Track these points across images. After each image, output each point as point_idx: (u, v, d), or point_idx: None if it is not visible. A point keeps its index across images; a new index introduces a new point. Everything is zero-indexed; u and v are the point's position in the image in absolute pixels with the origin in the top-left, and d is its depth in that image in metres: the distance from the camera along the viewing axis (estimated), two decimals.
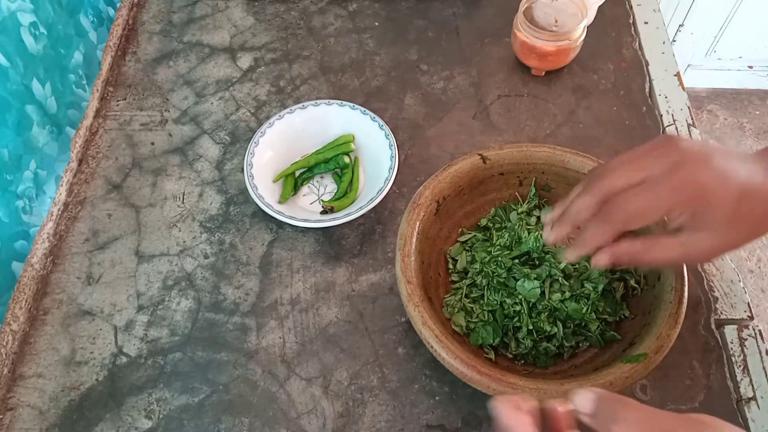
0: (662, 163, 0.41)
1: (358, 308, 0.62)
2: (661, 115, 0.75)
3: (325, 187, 0.71)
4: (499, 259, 0.58)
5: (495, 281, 0.57)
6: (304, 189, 0.71)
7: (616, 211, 0.42)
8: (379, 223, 0.68)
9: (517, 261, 0.58)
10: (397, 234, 0.56)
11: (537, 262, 0.58)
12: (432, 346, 0.50)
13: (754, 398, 0.56)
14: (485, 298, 0.57)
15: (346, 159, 0.69)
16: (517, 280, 0.56)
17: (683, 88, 0.78)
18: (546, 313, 0.55)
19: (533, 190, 0.63)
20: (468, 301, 0.58)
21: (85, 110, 0.77)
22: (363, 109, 0.71)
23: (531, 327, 0.55)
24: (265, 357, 0.60)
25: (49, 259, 0.66)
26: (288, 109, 0.71)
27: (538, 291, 0.55)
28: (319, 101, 0.72)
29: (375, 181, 0.67)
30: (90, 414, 0.57)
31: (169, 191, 0.71)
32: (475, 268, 0.59)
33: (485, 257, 0.59)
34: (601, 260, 0.45)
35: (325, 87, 0.80)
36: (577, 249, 0.45)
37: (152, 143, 0.75)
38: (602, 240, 0.44)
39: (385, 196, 0.65)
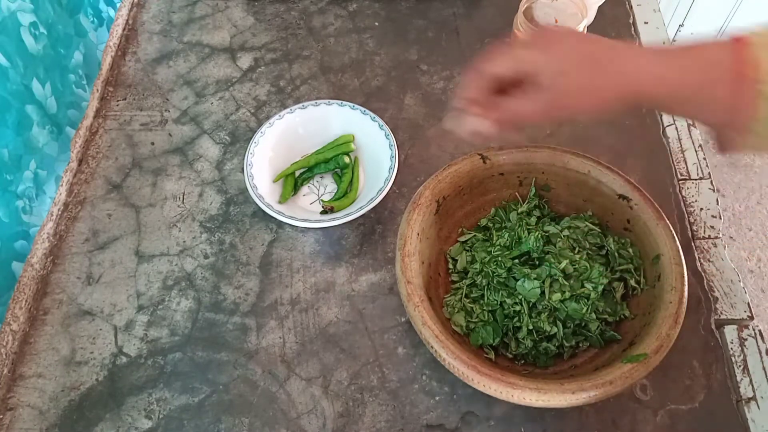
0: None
1: (358, 308, 0.62)
2: (661, 115, 0.75)
3: (325, 187, 0.71)
4: (499, 259, 0.58)
5: (495, 281, 0.57)
6: (304, 189, 0.71)
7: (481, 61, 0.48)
8: (379, 223, 0.68)
9: (517, 261, 0.58)
10: (397, 234, 0.56)
11: (537, 262, 0.58)
12: (432, 346, 0.50)
13: (754, 398, 0.56)
14: (485, 298, 0.57)
15: (346, 159, 0.69)
16: (517, 280, 0.56)
17: None
18: (546, 314, 0.55)
19: (533, 190, 0.63)
20: (468, 301, 0.58)
21: (85, 110, 0.77)
22: (363, 109, 0.71)
23: (531, 327, 0.55)
24: (265, 357, 0.60)
25: (49, 259, 0.66)
26: (288, 109, 0.71)
27: (538, 291, 0.55)
28: (319, 101, 0.72)
29: (375, 181, 0.67)
30: (90, 414, 0.57)
31: (169, 191, 0.71)
32: (475, 268, 0.59)
33: (485, 257, 0.59)
34: (476, 124, 0.48)
35: (325, 87, 0.80)
36: (452, 110, 0.50)
37: (152, 143, 0.75)
38: (462, 86, 0.49)
39: (385, 196, 0.65)
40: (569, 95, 0.46)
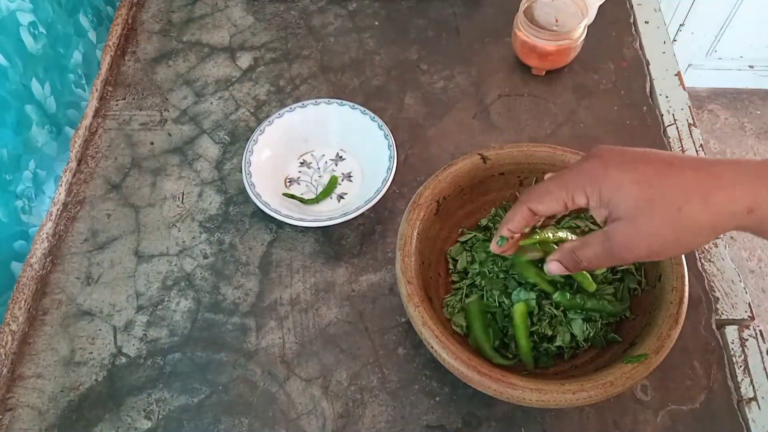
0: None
1: (358, 308, 0.62)
2: (662, 115, 0.75)
3: (323, 186, 0.71)
4: (497, 259, 0.58)
5: (493, 282, 0.57)
6: (302, 188, 0.71)
7: (525, 196, 0.45)
8: (379, 223, 0.68)
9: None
10: (397, 234, 0.56)
11: (539, 264, 0.57)
12: (432, 347, 0.49)
13: (754, 398, 0.56)
14: (485, 299, 0.57)
15: None
16: (520, 284, 0.56)
17: (684, 88, 0.77)
18: (546, 321, 0.55)
19: None
20: (476, 297, 0.57)
21: (85, 110, 0.77)
22: (363, 108, 0.71)
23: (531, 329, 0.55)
24: (265, 357, 0.60)
25: (48, 260, 0.66)
26: (288, 108, 0.71)
27: (534, 302, 0.55)
28: (318, 100, 0.72)
29: (374, 182, 0.67)
30: (89, 414, 0.57)
31: (168, 191, 0.71)
32: (475, 269, 0.59)
33: (484, 257, 0.59)
34: (552, 267, 0.46)
35: (324, 86, 0.79)
36: (496, 234, 0.49)
37: (151, 143, 0.75)
38: (510, 218, 0.46)
39: (385, 196, 0.65)
40: (640, 244, 0.39)
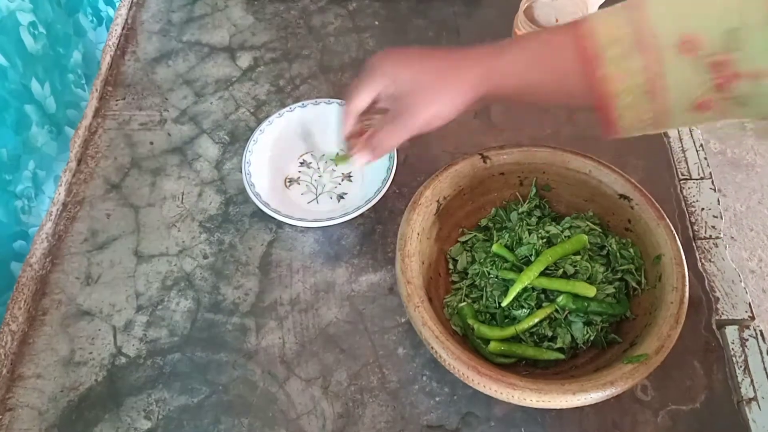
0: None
1: (358, 308, 0.62)
2: None
3: (323, 186, 0.70)
4: (496, 259, 0.58)
5: (493, 282, 0.57)
6: (302, 188, 0.71)
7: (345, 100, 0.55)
8: (379, 223, 0.68)
9: (514, 268, 0.57)
10: (398, 234, 0.56)
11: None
12: (432, 347, 0.49)
13: (755, 399, 0.56)
14: (485, 299, 0.57)
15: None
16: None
17: None
18: (546, 322, 0.55)
19: (534, 190, 0.63)
20: (468, 301, 0.57)
21: (84, 110, 0.77)
22: None
23: (531, 330, 0.55)
24: (265, 357, 0.59)
25: (47, 260, 0.66)
26: (288, 108, 0.71)
27: (528, 316, 0.55)
28: (318, 100, 0.72)
29: (373, 182, 0.67)
30: (89, 414, 0.57)
31: (168, 191, 0.71)
32: (475, 269, 0.59)
33: (484, 257, 0.59)
34: (357, 159, 0.53)
35: (325, 86, 0.79)
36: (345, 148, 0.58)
37: (151, 143, 0.75)
38: (345, 126, 0.55)
39: (385, 197, 0.65)
40: (419, 111, 0.49)
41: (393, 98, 0.51)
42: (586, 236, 0.57)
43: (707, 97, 0.39)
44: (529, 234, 0.58)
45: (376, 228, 0.67)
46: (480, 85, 0.48)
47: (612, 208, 0.60)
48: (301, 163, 0.72)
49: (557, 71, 0.45)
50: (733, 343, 0.59)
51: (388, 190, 0.65)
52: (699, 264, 0.64)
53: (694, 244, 0.65)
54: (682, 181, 0.69)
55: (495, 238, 0.60)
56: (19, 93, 0.66)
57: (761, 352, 0.58)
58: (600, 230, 0.60)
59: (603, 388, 0.46)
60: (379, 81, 0.51)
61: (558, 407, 0.47)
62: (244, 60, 0.82)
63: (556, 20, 0.78)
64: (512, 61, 0.47)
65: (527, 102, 0.57)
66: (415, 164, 0.72)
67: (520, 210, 0.61)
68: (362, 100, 0.53)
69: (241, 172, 0.70)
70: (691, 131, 0.74)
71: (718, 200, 0.68)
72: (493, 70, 0.47)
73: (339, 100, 0.72)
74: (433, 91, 0.49)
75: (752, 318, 0.60)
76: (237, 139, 0.75)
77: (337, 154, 0.65)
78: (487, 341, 0.54)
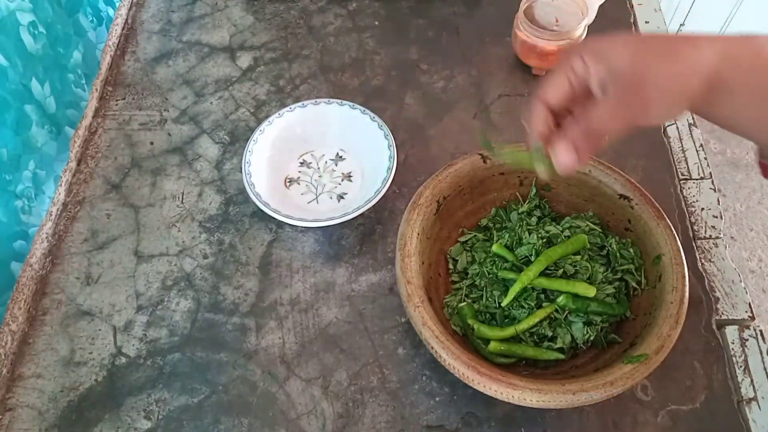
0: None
1: (358, 308, 0.62)
2: None
3: (323, 186, 0.71)
4: (496, 259, 0.58)
5: (493, 282, 0.57)
6: (302, 188, 0.71)
7: (535, 94, 0.44)
8: (379, 223, 0.68)
9: (513, 267, 0.57)
10: (397, 234, 0.56)
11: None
12: (432, 347, 0.49)
13: (755, 399, 0.56)
14: (485, 299, 0.57)
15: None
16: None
17: None
18: (547, 322, 0.55)
19: (534, 190, 0.63)
20: (468, 301, 0.57)
21: (84, 110, 0.77)
22: (363, 108, 0.71)
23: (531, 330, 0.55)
24: (265, 357, 0.59)
25: (48, 259, 0.66)
26: (288, 108, 0.71)
27: (528, 316, 0.55)
28: (318, 100, 0.72)
29: (373, 182, 0.67)
30: (89, 414, 0.57)
31: (168, 191, 0.71)
32: (475, 269, 0.59)
33: (484, 257, 0.59)
34: (562, 158, 0.42)
35: (324, 86, 0.79)
36: (534, 157, 0.45)
37: (151, 143, 0.75)
38: (530, 120, 0.44)
39: (385, 196, 0.65)
40: (644, 88, 0.39)
41: (606, 84, 0.40)
42: (586, 236, 0.57)
43: None
44: (529, 234, 0.58)
45: (376, 228, 0.67)
46: (709, 66, 0.39)
47: (612, 208, 0.60)
48: (301, 163, 0.72)
49: None
50: (733, 343, 0.59)
51: (388, 190, 0.65)
52: (699, 264, 0.64)
53: (694, 244, 0.65)
54: (682, 181, 0.69)
55: (495, 238, 0.60)
56: (19, 93, 0.66)
57: (761, 352, 0.58)
58: (600, 230, 0.60)
59: (603, 388, 0.46)
60: (583, 65, 0.41)
61: (558, 407, 0.47)
62: (244, 60, 0.82)
63: (556, 20, 0.78)
64: (741, 47, 0.39)
65: (746, 125, 0.44)
66: (415, 164, 0.72)
67: (520, 210, 0.61)
68: (561, 85, 0.42)
69: (241, 172, 0.70)
70: (691, 131, 0.74)
71: (718, 200, 0.68)
72: (722, 51, 0.39)
73: (339, 100, 0.72)
74: (659, 65, 0.39)
75: (752, 318, 0.60)
76: (237, 139, 0.75)
77: (532, 153, 0.46)
78: (487, 341, 0.54)
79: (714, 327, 0.60)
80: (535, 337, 0.55)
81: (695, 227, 0.66)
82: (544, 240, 0.58)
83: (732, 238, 1.57)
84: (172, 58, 0.83)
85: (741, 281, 0.63)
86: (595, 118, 0.40)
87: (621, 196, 0.58)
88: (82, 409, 0.57)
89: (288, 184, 0.71)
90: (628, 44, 0.40)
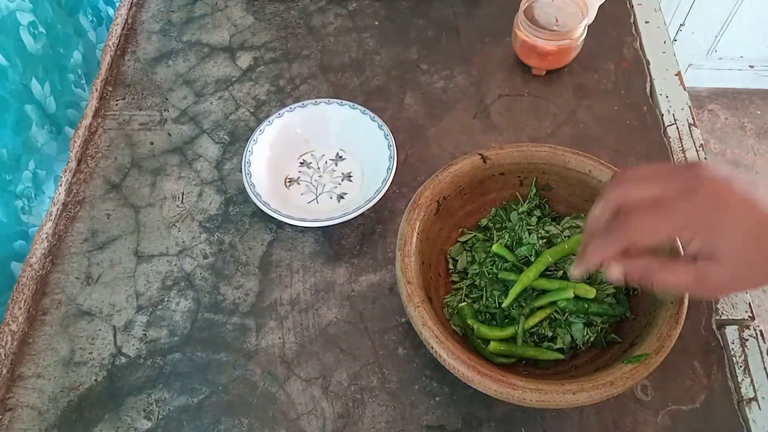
0: (681, 185, 0.39)
1: (358, 308, 0.62)
2: (662, 115, 0.75)
3: (323, 186, 0.71)
4: (496, 259, 0.58)
5: (493, 282, 0.57)
6: (302, 188, 0.71)
7: (623, 225, 0.41)
8: (379, 223, 0.68)
9: (513, 268, 0.57)
10: (397, 234, 0.56)
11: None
12: (432, 347, 0.49)
13: (755, 399, 0.56)
14: (485, 299, 0.57)
15: None
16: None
17: (684, 88, 0.77)
18: (547, 322, 0.55)
19: (534, 190, 0.63)
20: (468, 301, 0.57)
21: (84, 110, 0.77)
22: (363, 108, 0.71)
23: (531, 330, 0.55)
24: (265, 357, 0.59)
25: (48, 260, 0.66)
26: (288, 108, 0.71)
27: (528, 317, 0.55)
28: (318, 100, 0.72)
29: (373, 182, 0.67)
30: (89, 414, 0.57)
31: (168, 191, 0.71)
32: (475, 269, 0.59)
33: (484, 257, 0.59)
34: (613, 272, 0.43)
35: (324, 86, 0.79)
36: (580, 263, 0.44)
37: (151, 143, 0.75)
38: (604, 254, 0.42)
39: (385, 196, 0.65)
40: (730, 288, 0.40)
41: (705, 250, 0.39)
42: None
43: None
44: (529, 234, 0.58)
45: (376, 228, 0.67)
46: None
47: None
48: (301, 163, 0.72)
49: None
50: (733, 343, 0.59)
51: (388, 190, 0.65)
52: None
53: None
54: None
55: (495, 238, 0.60)
56: (19, 93, 0.66)
57: (761, 352, 0.58)
58: None
59: (603, 388, 0.46)
60: (698, 232, 0.38)
61: (558, 407, 0.47)
62: (244, 60, 0.82)
63: (556, 20, 0.78)
64: None
65: None
66: (415, 164, 0.72)
67: (520, 210, 0.61)
68: (655, 242, 0.40)
69: (241, 172, 0.70)
70: (691, 131, 0.74)
71: None
72: None
73: (339, 100, 0.72)
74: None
75: (752, 318, 0.60)
76: (237, 139, 0.75)
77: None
78: (487, 341, 0.54)
79: (714, 327, 0.60)
80: (535, 337, 0.55)
81: None
82: (544, 240, 0.58)
83: None
84: (172, 58, 0.83)
85: None
86: (665, 280, 0.41)
87: None
88: (82, 409, 0.57)
89: (288, 184, 0.71)
90: (750, 237, 0.37)
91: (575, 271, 0.46)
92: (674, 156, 0.71)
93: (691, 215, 0.38)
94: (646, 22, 0.84)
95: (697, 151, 0.72)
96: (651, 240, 0.40)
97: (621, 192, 0.41)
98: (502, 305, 0.55)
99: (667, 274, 0.41)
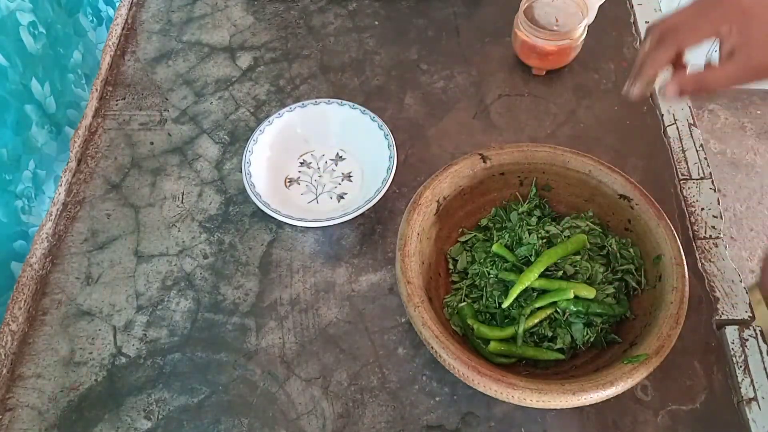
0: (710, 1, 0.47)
1: (358, 308, 0.62)
2: (662, 115, 0.75)
3: (323, 186, 0.71)
4: (496, 259, 0.58)
5: (493, 282, 0.57)
6: (302, 188, 0.71)
7: (671, 34, 0.47)
8: (379, 223, 0.68)
9: (513, 268, 0.57)
10: (398, 234, 0.56)
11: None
12: (432, 347, 0.49)
13: (755, 399, 0.56)
14: (485, 299, 0.57)
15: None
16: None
17: None
18: (547, 322, 0.55)
19: (534, 190, 0.63)
20: (468, 301, 0.57)
21: (84, 110, 0.77)
22: (363, 108, 0.71)
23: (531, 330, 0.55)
24: (265, 357, 0.59)
25: (48, 259, 0.66)
26: (288, 108, 0.71)
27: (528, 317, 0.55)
28: (318, 100, 0.72)
29: (373, 182, 0.67)
30: (89, 414, 0.57)
31: (168, 191, 0.71)
32: (475, 269, 0.59)
33: (484, 257, 0.59)
34: (670, 89, 0.48)
35: (324, 86, 0.79)
36: (638, 77, 0.50)
37: (151, 143, 0.75)
38: (659, 62, 0.48)
39: (385, 196, 0.65)
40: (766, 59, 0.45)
41: (739, 41, 0.45)
42: (586, 236, 0.57)
43: None
44: (529, 234, 0.58)
45: (376, 228, 0.67)
46: None
47: (612, 208, 0.60)
48: (301, 163, 0.72)
49: None
50: (733, 343, 0.59)
51: (388, 190, 0.65)
52: (699, 264, 0.64)
53: (694, 244, 0.65)
54: (682, 181, 0.69)
55: (495, 238, 0.60)
56: (19, 93, 0.66)
57: (761, 352, 0.58)
58: (600, 230, 0.60)
59: (603, 388, 0.46)
60: (728, 31, 0.45)
61: (558, 407, 0.47)
62: (244, 60, 0.82)
63: (556, 20, 0.78)
64: None
65: None
66: (415, 164, 0.72)
67: (520, 210, 0.61)
68: (698, 41, 0.47)
69: (241, 172, 0.70)
70: (691, 131, 0.74)
71: (718, 200, 0.68)
72: None
73: (339, 100, 0.72)
74: None
75: (752, 318, 0.60)
76: (237, 139, 0.75)
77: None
78: (487, 341, 0.54)
79: (714, 327, 0.60)
80: (535, 337, 0.55)
81: (695, 227, 0.66)
82: (544, 240, 0.58)
83: (732, 238, 1.57)
84: (172, 58, 0.83)
85: (741, 281, 0.63)
86: (716, 76, 0.47)
87: (621, 196, 0.58)
88: (82, 409, 0.57)
89: (288, 184, 0.71)
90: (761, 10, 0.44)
91: (635, 89, 0.50)
92: (674, 156, 0.71)
93: (727, 12, 0.46)
94: (646, 22, 0.84)
95: (697, 151, 0.72)
96: (697, 39, 0.47)
97: (662, 23, 0.48)
98: (502, 305, 0.55)
99: (716, 72, 0.47)
